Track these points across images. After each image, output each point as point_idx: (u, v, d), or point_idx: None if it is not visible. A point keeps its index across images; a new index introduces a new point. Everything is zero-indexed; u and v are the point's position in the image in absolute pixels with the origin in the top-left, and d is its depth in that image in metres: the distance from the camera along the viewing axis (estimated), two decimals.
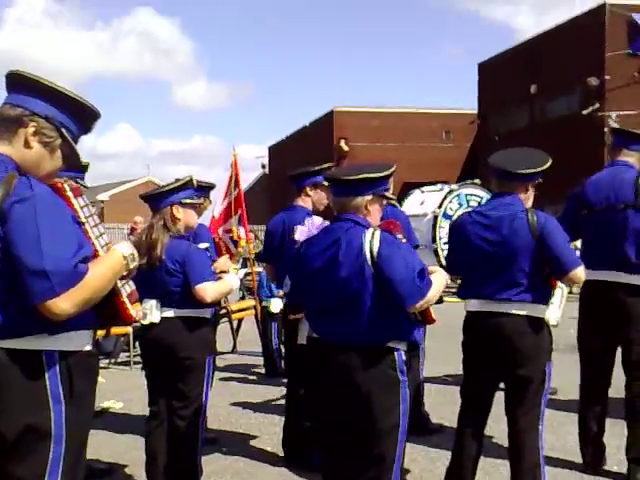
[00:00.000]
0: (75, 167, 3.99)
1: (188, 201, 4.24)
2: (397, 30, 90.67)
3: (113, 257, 2.43)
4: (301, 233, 3.94)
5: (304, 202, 5.02)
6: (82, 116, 2.46)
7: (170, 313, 4.11)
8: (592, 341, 4.62)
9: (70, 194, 2.43)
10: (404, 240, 3.23)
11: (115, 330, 8.34)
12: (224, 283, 4.23)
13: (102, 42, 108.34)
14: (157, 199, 4.22)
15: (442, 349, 7.84)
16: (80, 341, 2.40)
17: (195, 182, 4.37)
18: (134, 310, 2.56)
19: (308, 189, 5.00)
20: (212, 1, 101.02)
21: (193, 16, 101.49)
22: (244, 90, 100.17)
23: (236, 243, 7.88)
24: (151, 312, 4.10)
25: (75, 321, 2.30)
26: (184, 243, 4.16)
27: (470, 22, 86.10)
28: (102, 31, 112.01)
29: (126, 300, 2.51)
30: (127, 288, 2.54)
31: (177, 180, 4.29)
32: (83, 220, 2.44)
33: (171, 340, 4.09)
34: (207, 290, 4.05)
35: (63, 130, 2.39)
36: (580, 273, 3.73)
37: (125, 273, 2.47)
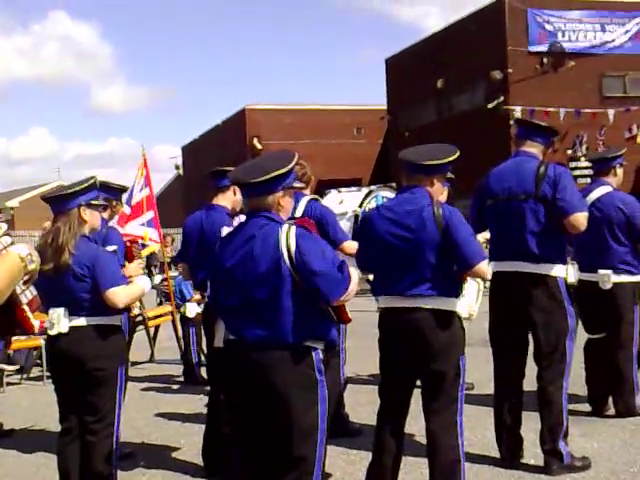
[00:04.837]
0: None
1: (95, 202, 4.09)
2: (309, 30, 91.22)
3: (9, 259, 2.27)
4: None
5: (225, 201, 4.92)
6: None
7: (79, 321, 3.94)
8: (502, 333, 4.67)
9: None
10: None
11: (26, 343, 8.05)
12: (135, 286, 4.11)
13: (22, 47, 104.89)
14: (64, 201, 4.02)
15: (364, 348, 7.83)
16: None
17: (98, 183, 4.22)
18: (35, 319, 2.44)
19: (232, 189, 4.85)
20: (130, 5, 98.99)
21: (113, 20, 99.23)
22: (165, 93, 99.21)
23: (143, 247, 7.64)
24: (58, 321, 3.92)
25: None
26: (92, 246, 4.00)
27: (380, 22, 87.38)
28: (22, 36, 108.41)
29: (26, 308, 2.40)
30: (28, 294, 2.42)
31: (81, 182, 4.11)
32: None
33: (80, 351, 3.92)
34: (118, 295, 3.92)
35: None
36: (483, 267, 3.77)
37: (25, 277, 2.31)
